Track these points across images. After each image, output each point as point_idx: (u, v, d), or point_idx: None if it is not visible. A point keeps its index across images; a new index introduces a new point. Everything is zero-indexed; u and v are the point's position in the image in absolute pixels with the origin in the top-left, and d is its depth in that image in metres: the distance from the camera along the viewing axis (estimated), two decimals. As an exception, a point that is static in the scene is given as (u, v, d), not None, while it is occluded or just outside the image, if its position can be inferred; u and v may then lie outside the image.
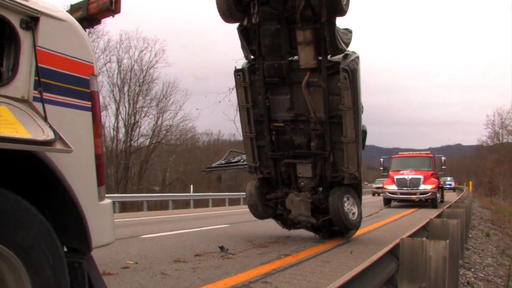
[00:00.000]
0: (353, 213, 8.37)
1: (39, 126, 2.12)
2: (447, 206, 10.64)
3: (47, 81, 2.39)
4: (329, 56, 7.67)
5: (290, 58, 7.88)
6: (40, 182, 2.35)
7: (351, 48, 7.94)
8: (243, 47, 8.06)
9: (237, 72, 8.21)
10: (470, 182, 52.03)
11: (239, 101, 8.44)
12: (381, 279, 3.15)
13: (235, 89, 8.47)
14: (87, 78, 2.67)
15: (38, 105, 2.33)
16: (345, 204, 8.20)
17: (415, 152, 27.33)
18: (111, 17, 4.04)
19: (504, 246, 12.79)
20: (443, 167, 24.38)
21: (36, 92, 2.33)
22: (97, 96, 2.70)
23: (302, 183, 8.43)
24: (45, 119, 2.25)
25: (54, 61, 2.45)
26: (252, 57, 8.08)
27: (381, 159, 24.95)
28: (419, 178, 22.20)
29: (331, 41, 7.44)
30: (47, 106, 2.36)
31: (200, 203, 29.27)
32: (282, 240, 8.93)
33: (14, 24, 2.30)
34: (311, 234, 9.23)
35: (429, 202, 22.36)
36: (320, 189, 8.44)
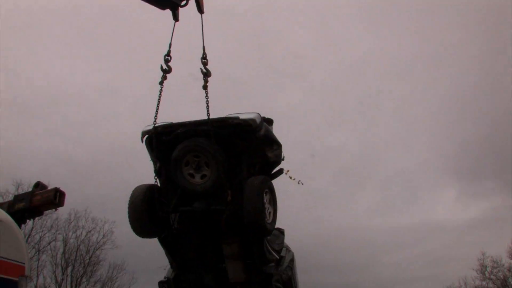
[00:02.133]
0: None
1: None
2: None
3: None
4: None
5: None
6: None
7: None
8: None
9: (162, 284, 7.46)
10: None
11: None
12: None
13: None
14: (16, 279, 2.59)
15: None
16: None
17: None
18: (54, 210, 4.07)
19: None
20: None
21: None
22: (24, 300, 2.59)
23: None
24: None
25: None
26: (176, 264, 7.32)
27: None
28: None
29: (260, 257, 6.93)
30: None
31: None
32: None
33: None
34: None
35: None
36: None
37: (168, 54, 6.79)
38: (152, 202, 6.61)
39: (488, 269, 49.24)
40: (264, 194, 6.31)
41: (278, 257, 7.34)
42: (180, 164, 6.26)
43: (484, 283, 50.76)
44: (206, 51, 6.72)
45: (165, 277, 7.56)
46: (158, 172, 6.72)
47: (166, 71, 6.75)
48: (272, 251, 7.20)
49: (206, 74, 6.57)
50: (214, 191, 6.45)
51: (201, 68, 6.61)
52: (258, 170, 6.77)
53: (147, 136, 6.61)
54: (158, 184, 6.76)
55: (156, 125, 6.50)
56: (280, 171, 7.14)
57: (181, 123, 6.51)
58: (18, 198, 4.20)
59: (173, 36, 6.82)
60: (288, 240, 7.97)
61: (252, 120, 6.30)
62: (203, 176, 6.32)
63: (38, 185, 4.20)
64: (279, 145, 6.90)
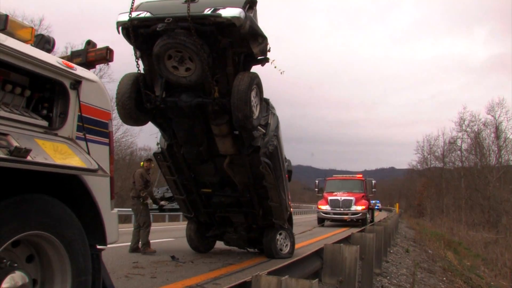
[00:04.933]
0: (286, 245, 9.13)
1: (86, 158, 3.14)
2: (371, 224, 12.06)
3: (84, 125, 3.41)
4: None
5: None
6: (78, 196, 3.34)
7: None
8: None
9: (156, 154, 8.27)
10: (397, 204, 55.31)
11: (164, 174, 8.58)
12: (309, 270, 4.34)
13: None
14: (107, 122, 3.70)
15: (79, 142, 3.34)
16: (278, 242, 8.94)
17: (347, 175, 29.04)
18: (106, 64, 4.93)
19: (419, 260, 14.39)
20: (373, 189, 26.17)
21: (79, 133, 3.33)
22: (111, 134, 3.72)
23: (237, 224, 9.07)
24: (88, 153, 3.27)
25: (89, 110, 3.48)
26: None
27: (316, 181, 26.35)
28: (351, 200, 23.75)
29: (247, 137, 7.46)
30: (82, 142, 3.38)
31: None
32: (226, 252, 9.98)
33: (66, 85, 3.31)
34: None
35: (360, 222, 23.89)
36: (254, 226, 9.09)
37: None
38: (139, 94, 6.90)
39: (466, 122, 52.15)
40: (252, 92, 6.56)
41: (264, 131, 7.88)
42: (162, 58, 6.28)
43: (460, 134, 54.09)
44: None
45: (157, 143, 8.34)
46: (141, 58, 6.85)
47: None
48: (259, 127, 7.64)
49: None
50: (200, 84, 6.71)
51: None
52: (243, 59, 6.93)
53: (122, 27, 6.46)
54: (142, 71, 6.92)
55: (132, 18, 6.29)
56: (266, 60, 7.21)
57: (159, 17, 6.26)
58: (74, 54, 5.06)
59: None
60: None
61: (237, 18, 6.10)
62: (187, 69, 6.38)
63: (90, 43, 5.01)
64: (264, 38, 6.79)
